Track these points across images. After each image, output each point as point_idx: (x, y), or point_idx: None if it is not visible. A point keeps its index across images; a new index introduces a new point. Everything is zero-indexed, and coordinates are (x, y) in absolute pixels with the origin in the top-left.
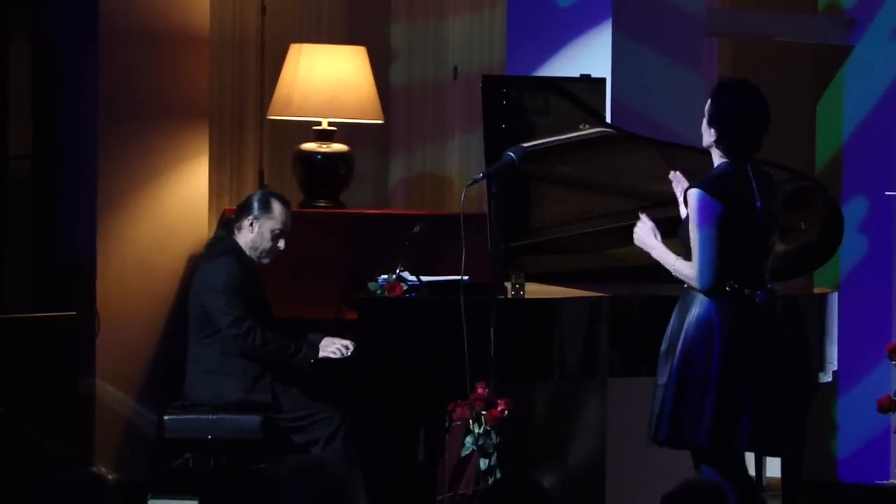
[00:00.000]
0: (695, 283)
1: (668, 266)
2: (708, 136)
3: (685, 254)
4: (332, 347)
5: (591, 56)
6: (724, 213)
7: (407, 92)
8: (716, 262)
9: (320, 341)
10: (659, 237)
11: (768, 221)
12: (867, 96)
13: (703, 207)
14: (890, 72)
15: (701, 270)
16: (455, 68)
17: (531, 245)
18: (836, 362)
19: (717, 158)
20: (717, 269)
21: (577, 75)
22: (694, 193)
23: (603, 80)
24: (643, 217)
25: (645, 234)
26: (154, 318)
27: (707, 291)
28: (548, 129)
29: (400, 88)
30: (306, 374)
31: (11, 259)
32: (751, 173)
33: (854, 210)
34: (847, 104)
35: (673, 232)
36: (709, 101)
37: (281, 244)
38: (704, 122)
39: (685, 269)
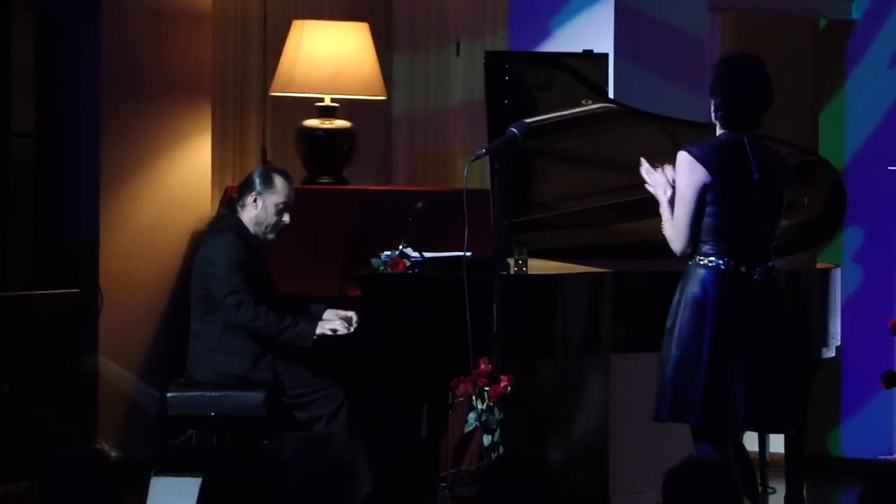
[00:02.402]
0: (671, 246)
1: (663, 219)
2: (711, 107)
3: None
4: (332, 324)
5: (593, 32)
6: (713, 184)
7: (409, 68)
8: (688, 229)
9: (323, 312)
10: (669, 192)
11: (769, 196)
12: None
13: (685, 170)
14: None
15: (675, 236)
16: (458, 44)
17: (534, 221)
18: (839, 337)
19: (719, 130)
20: (689, 236)
21: (580, 51)
22: (679, 156)
23: (605, 56)
24: (660, 169)
25: (658, 184)
26: (157, 294)
27: (680, 255)
28: (550, 105)
29: (402, 64)
30: (308, 352)
31: (14, 236)
32: (748, 146)
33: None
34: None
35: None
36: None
37: (286, 218)
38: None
39: (668, 229)
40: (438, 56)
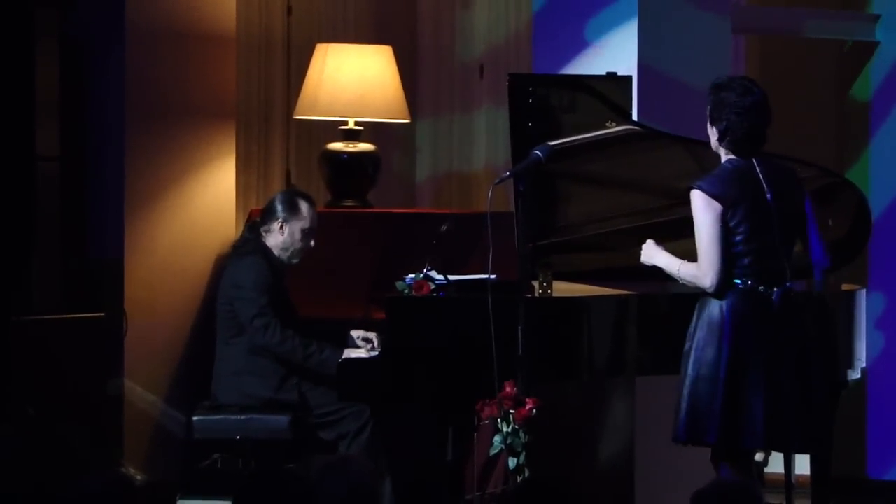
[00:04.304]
0: (700, 284)
1: (673, 273)
2: (712, 136)
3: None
4: (356, 352)
5: (617, 54)
6: (725, 212)
7: (433, 90)
8: (719, 262)
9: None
10: (662, 247)
11: (784, 216)
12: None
13: (702, 208)
14: None
15: (705, 271)
16: (481, 67)
17: (558, 243)
18: (864, 359)
19: (724, 157)
20: (721, 269)
21: (604, 73)
22: (693, 195)
23: (629, 78)
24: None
25: (648, 251)
26: (182, 318)
27: (715, 292)
28: (574, 128)
29: (426, 87)
30: (333, 377)
31: (39, 260)
32: (758, 167)
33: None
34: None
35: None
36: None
37: (311, 242)
38: (708, 124)
39: (690, 271)
40: (462, 79)
